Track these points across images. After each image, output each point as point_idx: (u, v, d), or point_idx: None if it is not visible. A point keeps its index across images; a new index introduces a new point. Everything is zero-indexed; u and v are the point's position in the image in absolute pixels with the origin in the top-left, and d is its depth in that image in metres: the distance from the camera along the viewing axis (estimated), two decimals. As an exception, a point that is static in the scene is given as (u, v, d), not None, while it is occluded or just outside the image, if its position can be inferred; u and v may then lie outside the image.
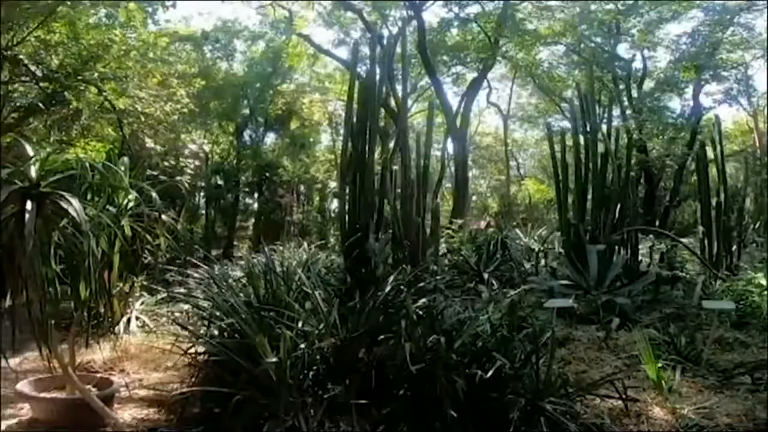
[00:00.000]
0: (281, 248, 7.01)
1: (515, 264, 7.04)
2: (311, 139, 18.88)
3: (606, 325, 4.75)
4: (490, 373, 2.57)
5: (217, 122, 15.45)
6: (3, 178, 2.42)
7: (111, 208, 2.89)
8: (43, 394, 2.98)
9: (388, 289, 3.33)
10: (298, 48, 16.57)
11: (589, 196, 6.27)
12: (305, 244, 8.02)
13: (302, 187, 18.24)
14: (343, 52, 15.95)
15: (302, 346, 2.88)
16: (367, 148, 4.96)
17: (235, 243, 16.20)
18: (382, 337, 2.81)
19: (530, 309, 5.04)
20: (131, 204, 2.97)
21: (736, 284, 5.48)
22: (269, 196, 16.26)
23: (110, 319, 3.79)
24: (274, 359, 2.60)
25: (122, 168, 3.11)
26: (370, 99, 4.87)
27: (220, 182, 15.31)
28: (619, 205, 6.14)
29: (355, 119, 4.94)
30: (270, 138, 18.21)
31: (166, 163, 7.81)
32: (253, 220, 17.76)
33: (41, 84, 6.22)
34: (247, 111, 16.31)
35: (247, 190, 16.81)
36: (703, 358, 3.88)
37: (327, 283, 4.48)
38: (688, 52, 13.16)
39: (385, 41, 6.87)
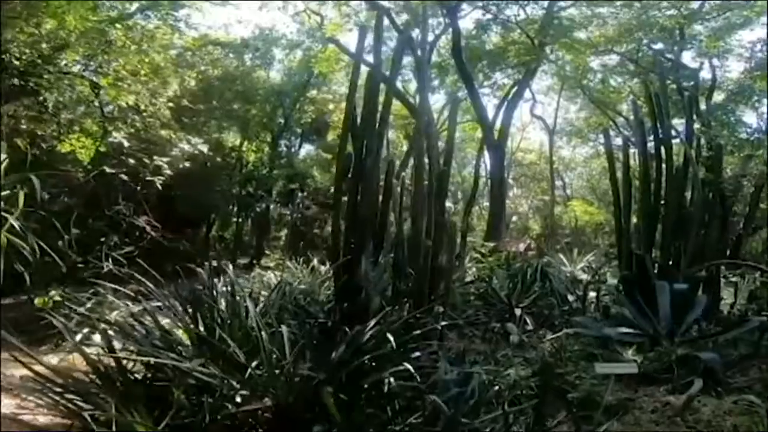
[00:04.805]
0: (288, 264, 6.30)
1: (557, 298, 5.83)
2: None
3: (684, 387, 3.58)
4: None
5: (254, 130, 15.19)
6: None
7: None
8: None
9: (366, 337, 2.37)
10: (331, 55, 16.11)
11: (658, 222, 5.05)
12: (315, 261, 7.25)
13: (335, 200, 17.59)
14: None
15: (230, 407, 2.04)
16: (374, 149, 4.06)
17: (267, 252, 15.76)
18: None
19: (573, 360, 3.91)
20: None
21: None
22: (299, 207, 15.79)
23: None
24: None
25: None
26: (375, 89, 3.98)
27: (251, 191, 14.96)
28: (697, 234, 4.87)
29: (358, 113, 4.07)
30: (306, 149, 17.89)
31: (131, 160, 7.16)
32: (286, 231, 17.31)
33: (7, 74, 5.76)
34: (282, 120, 16.04)
35: (278, 200, 16.42)
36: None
37: (308, 314, 3.59)
38: (764, 60, 11.42)
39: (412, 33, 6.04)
